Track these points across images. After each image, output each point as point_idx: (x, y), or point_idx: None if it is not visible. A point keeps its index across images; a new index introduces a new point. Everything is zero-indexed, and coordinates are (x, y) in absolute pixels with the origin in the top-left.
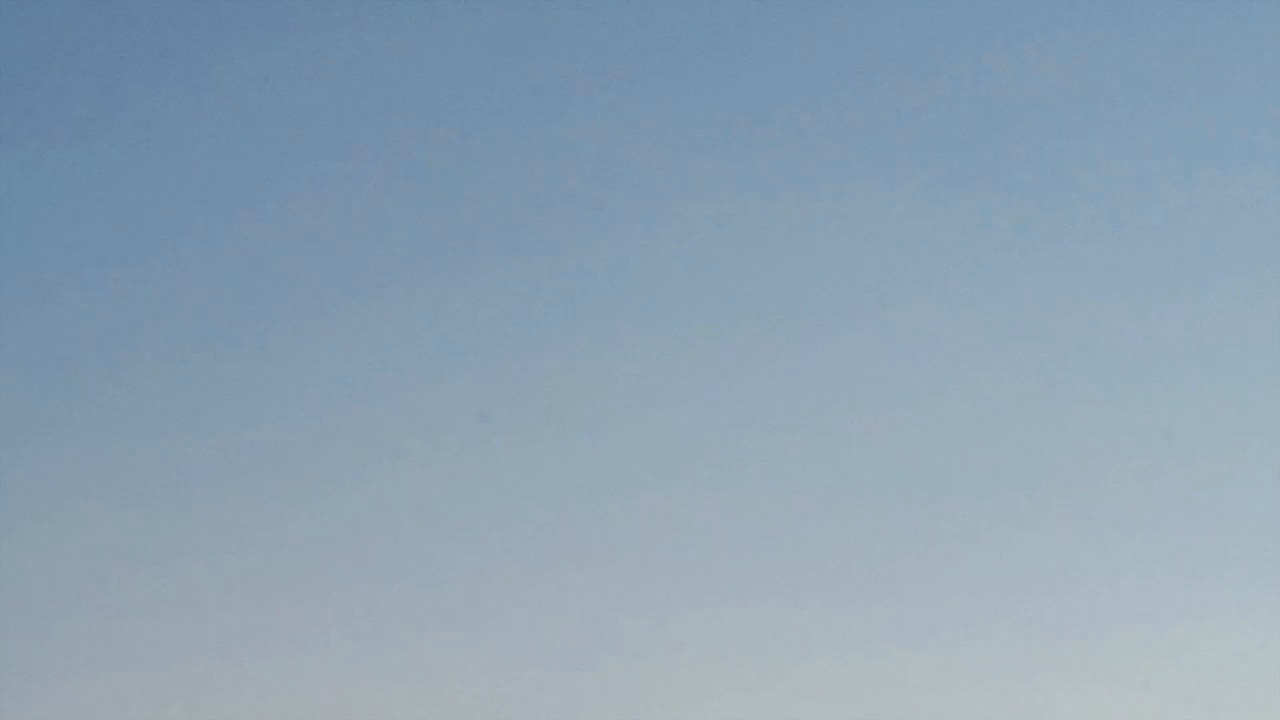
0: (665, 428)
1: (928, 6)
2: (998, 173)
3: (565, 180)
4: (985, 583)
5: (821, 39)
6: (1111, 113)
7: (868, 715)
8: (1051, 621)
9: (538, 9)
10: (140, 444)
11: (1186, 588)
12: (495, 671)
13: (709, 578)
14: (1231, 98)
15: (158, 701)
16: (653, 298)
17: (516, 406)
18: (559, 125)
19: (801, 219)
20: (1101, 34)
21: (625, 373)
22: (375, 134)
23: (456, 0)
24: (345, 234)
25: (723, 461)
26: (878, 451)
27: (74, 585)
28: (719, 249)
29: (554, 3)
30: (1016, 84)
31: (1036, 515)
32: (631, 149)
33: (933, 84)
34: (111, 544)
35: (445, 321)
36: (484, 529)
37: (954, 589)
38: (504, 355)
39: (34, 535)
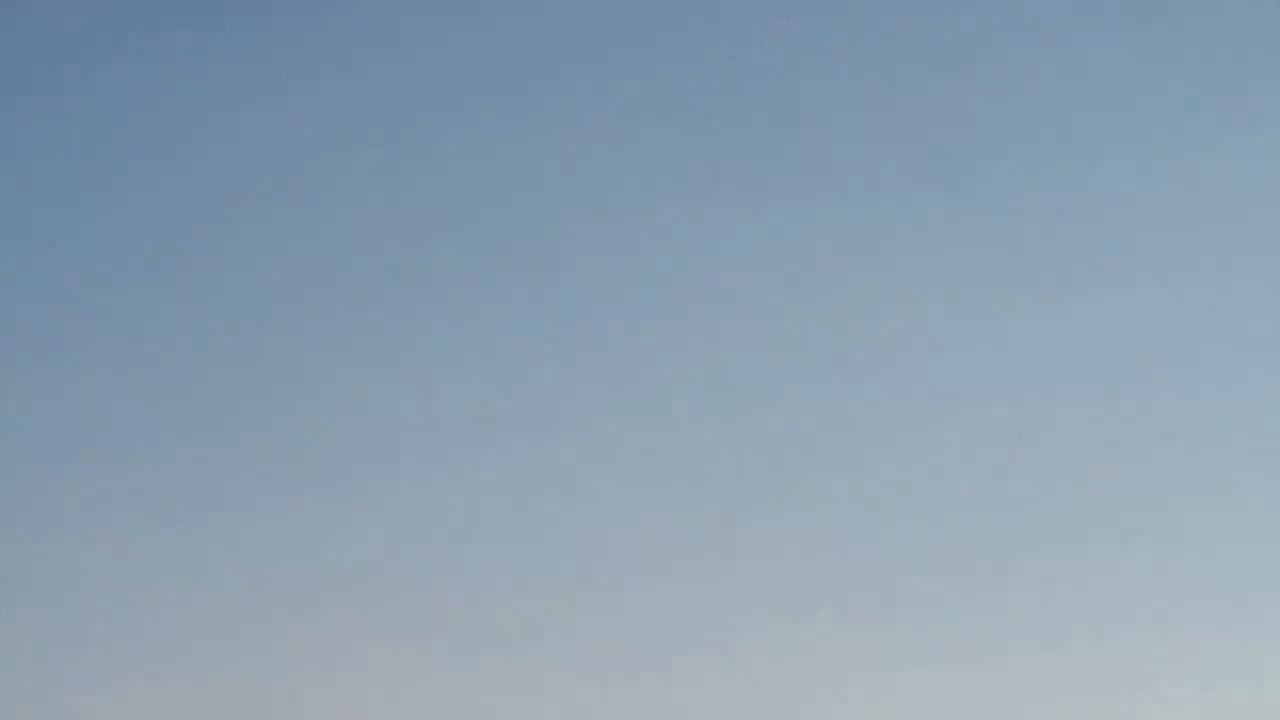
0: (666, 431)
1: (928, 10)
2: (998, 173)
3: (565, 180)
4: (1017, 602)
5: (822, 40)
6: (1112, 114)
7: None
8: (1090, 642)
9: (538, 9)
10: (149, 452)
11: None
12: (515, 684)
13: (730, 594)
14: (1232, 97)
15: (169, 706)
16: (652, 297)
17: (517, 408)
18: (559, 125)
19: (801, 219)
20: (1102, 34)
21: (625, 374)
22: (375, 134)
23: (457, 0)
24: (346, 234)
25: (727, 467)
26: (888, 452)
27: (85, 593)
28: (719, 249)
29: (554, 2)
30: (1018, 86)
31: (1070, 529)
32: (631, 149)
33: (933, 86)
34: (116, 550)
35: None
36: (489, 537)
37: (982, 604)
38: (504, 355)
39: (40, 544)
